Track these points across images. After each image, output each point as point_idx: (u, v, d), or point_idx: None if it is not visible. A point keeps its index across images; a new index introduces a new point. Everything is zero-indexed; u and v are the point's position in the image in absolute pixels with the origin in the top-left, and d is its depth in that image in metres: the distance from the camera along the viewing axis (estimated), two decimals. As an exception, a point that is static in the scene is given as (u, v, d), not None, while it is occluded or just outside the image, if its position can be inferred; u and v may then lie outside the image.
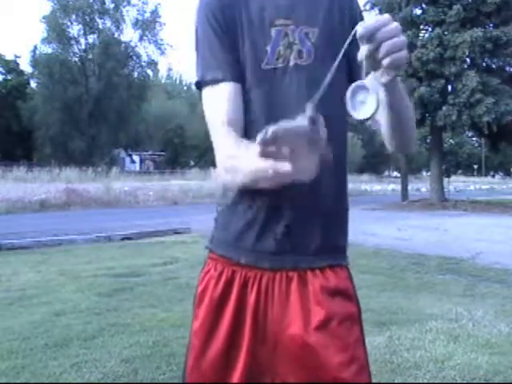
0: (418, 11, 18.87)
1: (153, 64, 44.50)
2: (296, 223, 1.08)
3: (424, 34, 18.54)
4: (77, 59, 41.58)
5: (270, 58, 1.09)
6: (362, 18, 1.14)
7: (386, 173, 57.95)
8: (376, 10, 19.77)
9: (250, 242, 1.10)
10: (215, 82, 1.10)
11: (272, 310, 1.08)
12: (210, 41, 1.11)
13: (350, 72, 1.13)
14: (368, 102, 0.90)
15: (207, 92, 1.12)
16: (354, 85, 0.91)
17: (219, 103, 1.09)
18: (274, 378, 1.09)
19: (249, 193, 1.07)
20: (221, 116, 1.08)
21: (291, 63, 1.09)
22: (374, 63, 0.88)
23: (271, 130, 0.72)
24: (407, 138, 1.15)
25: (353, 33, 0.88)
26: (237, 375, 1.08)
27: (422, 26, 18.89)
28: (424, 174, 55.89)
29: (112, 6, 41.72)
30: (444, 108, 17.18)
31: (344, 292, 1.11)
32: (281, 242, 1.08)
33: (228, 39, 1.10)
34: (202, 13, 1.13)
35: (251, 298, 1.09)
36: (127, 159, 46.11)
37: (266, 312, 1.08)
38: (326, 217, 1.11)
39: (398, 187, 22.47)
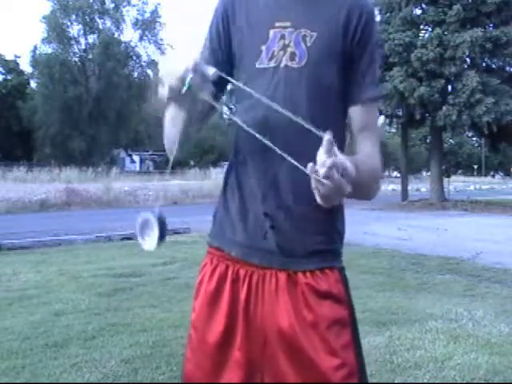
0: (418, 11, 18.87)
1: (153, 64, 44.49)
2: (282, 225, 1.10)
3: (424, 34, 18.54)
4: (77, 59, 41.57)
5: (263, 58, 1.12)
6: (368, 40, 1.12)
7: (386, 173, 57.91)
8: (376, 10, 19.79)
9: (241, 236, 1.13)
10: None
11: (262, 307, 1.10)
12: (208, 35, 1.20)
13: (347, 72, 1.12)
14: (152, 235, 0.99)
15: None
16: (142, 217, 1.00)
17: None
18: (268, 373, 1.09)
19: (239, 191, 1.13)
20: None
21: (282, 64, 1.10)
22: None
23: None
24: (366, 194, 1.15)
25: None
26: (232, 369, 1.10)
27: (422, 26, 18.89)
28: (424, 173, 55.80)
29: (112, 5, 41.74)
30: (444, 108, 17.17)
31: (334, 295, 1.11)
32: (269, 241, 1.10)
33: (225, 36, 1.17)
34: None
35: (242, 295, 1.11)
36: (127, 159, 46.19)
37: (256, 309, 1.10)
38: (313, 222, 1.11)
39: (398, 187, 22.43)
